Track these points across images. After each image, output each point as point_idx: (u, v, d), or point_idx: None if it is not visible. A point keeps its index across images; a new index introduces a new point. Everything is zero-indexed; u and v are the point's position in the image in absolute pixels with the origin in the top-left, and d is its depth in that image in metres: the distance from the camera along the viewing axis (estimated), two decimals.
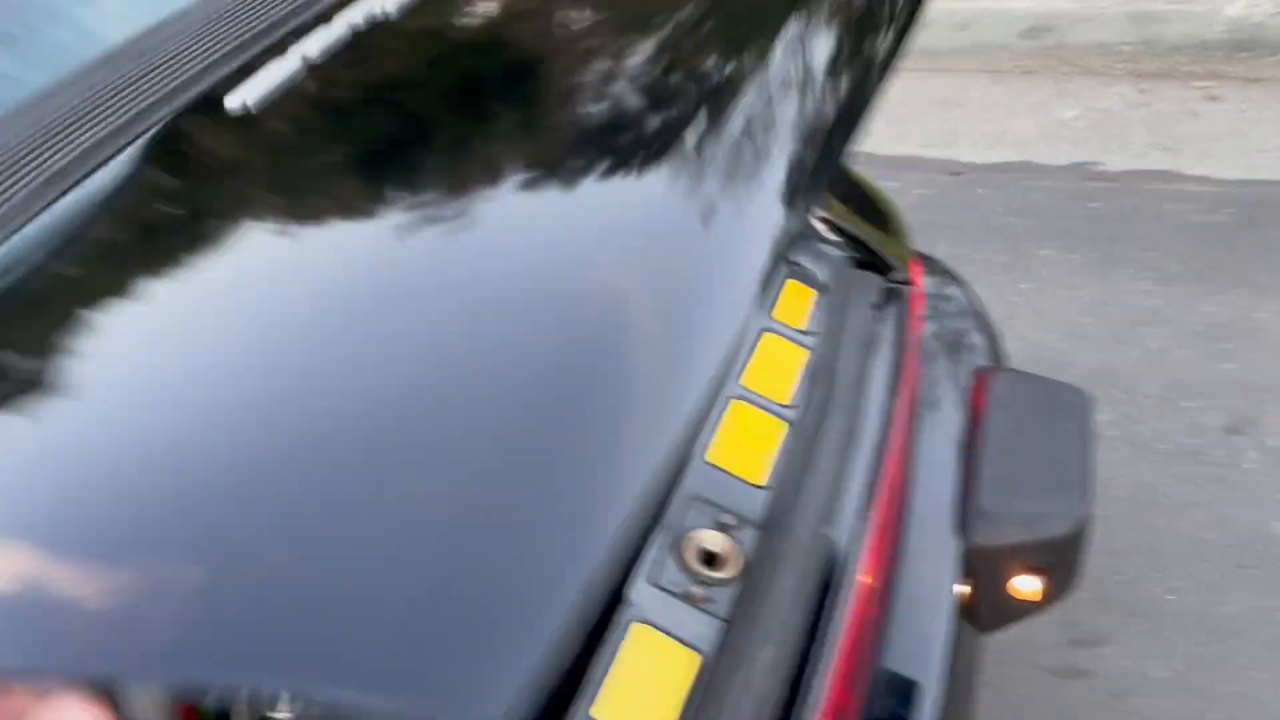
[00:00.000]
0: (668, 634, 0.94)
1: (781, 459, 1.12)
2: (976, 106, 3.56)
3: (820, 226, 1.39)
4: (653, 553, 1.00)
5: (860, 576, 1.04)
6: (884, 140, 3.46)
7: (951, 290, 1.62)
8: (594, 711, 0.89)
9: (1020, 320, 2.65)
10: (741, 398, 1.17)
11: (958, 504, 1.27)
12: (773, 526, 1.05)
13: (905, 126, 3.51)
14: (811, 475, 1.12)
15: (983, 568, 1.23)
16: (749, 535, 1.04)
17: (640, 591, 0.97)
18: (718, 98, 1.12)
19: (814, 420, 1.16)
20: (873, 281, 1.37)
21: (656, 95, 1.14)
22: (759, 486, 1.09)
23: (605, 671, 0.91)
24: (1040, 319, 2.65)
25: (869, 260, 1.39)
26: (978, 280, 2.88)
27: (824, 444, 1.15)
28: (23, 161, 0.97)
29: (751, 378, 1.20)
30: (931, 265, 1.64)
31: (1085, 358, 2.51)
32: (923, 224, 3.04)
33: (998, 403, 1.36)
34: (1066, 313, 2.66)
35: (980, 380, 1.42)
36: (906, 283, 1.40)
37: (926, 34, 3.79)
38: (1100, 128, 3.34)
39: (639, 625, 0.95)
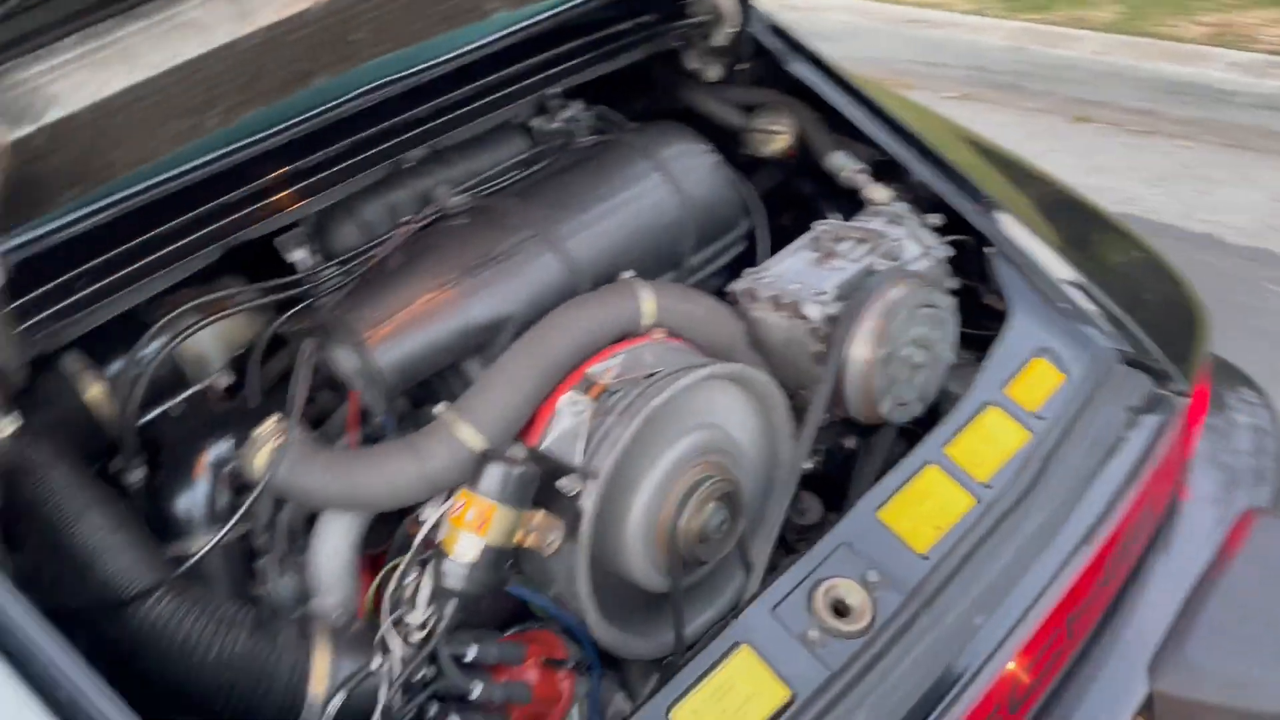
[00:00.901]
0: (768, 663, 0.96)
1: (957, 535, 1.09)
2: None
3: (1094, 310, 1.29)
4: (784, 584, 1.02)
5: (992, 677, 0.99)
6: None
7: (1253, 411, 1.44)
8: (674, 713, 0.93)
9: None
10: (938, 464, 1.14)
11: (1162, 642, 1.15)
12: (918, 598, 1.03)
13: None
14: (985, 560, 1.07)
15: (1167, 718, 1.12)
16: (890, 599, 1.02)
17: (757, 616, 0.99)
18: None
19: (1008, 507, 1.11)
20: (1139, 382, 1.26)
21: None
22: (920, 555, 1.06)
23: (698, 678, 0.95)
24: None
25: (1143, 360, 1.27)
26: None
27: (1011, 533, 1.09)
28: None
29: (958, 447, 1.16)
30: (1232, 378, 1.46)
31: None
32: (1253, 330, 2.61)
33: (1252, 549, 1.21)
34: None
35: (1245, 520, 1.27)
36: (1183, 393, 1.26)
37: None
38: None
39: (744, 646, 0.97)
